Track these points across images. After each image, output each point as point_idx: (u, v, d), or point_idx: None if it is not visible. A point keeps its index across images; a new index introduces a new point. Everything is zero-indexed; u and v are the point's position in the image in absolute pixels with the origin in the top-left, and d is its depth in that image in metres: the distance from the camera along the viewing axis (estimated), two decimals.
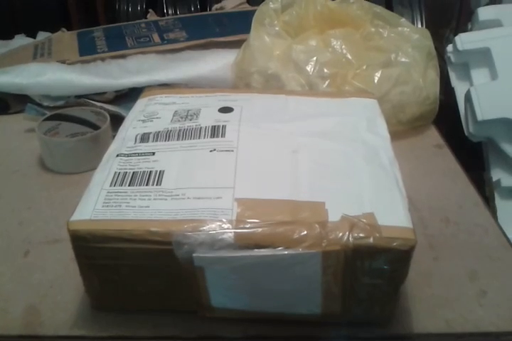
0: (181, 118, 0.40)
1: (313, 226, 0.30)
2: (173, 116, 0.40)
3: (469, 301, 0.36)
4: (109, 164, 0.36)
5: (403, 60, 0.57)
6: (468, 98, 0.65)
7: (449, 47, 0.73)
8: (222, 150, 0.36)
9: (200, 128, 0.38)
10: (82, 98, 0.60)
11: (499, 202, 0.61)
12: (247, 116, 0.40)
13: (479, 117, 0.63)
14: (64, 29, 0.76)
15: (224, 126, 0.38)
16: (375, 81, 0.55)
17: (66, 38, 0.73)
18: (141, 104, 0.44)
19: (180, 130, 0.38)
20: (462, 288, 0.37)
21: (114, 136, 0.40)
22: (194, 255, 0.30)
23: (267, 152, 0.36)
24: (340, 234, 0.30)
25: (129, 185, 0.34)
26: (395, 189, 0.33)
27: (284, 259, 0.30)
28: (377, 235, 0.30)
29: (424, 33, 0.63)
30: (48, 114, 0.55)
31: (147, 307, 0.35)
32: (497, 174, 0.63)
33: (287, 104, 0.42)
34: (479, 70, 0.77)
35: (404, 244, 0.30)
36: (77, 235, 0.31)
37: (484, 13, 0.83)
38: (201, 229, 0.30)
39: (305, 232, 0.30)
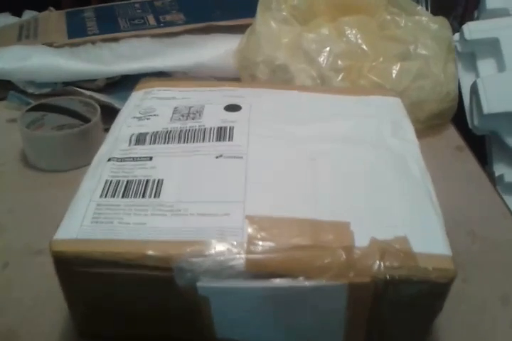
0: (182, 116, 0.35)
1: (338, 252, 0.26)
2: (173, 113, 0.36)
3: (503, 330, 0.32)
4: (100, 170, 0.31)
5: (423, 52, 0.52)
6: (474, 90, 0.62)
7: (456, 36, 0.70)
8: (229, 157, 0.31)
9: (205, 129, 0.34)
10: (70, 86, 0.55)
11: None
12: (257, 116, 0.35)
13: (485, 110, 0.60)
14: (52, 8, 0.70)
15: (231, 128, 0.33)
16: (393, 75, 0.50)
17: (54, 18, 0.67)
18: (136, 97, 0.39)
19: (181, 131, 0.34)
20: (495, 314, 0.33)
21: (105, 129, 0.35)
22: (198, 284, 0.26)
23: (281, 159, 0.31)
24: (370, 263, 0.26)
25: (122, 197, 0.29)
26: (429, 207, 0.29)
27: (304, 291, 0.26)
28: (413, 264, 0.26)
29: (444, 22, 0.58)
30: (33, 103, 0.49)
31: (140, 335, 0.30)
32: (500, 169, 0.61)
33: (300, 101, 0.37)
34: (486, 61, 0.75)
35: (443, 276, 0.25)
36: (61, 257, 0.26)
37: (492, 0, 0.80)
38: (207, 253, 0.26)
39: (329, 260, 0.26)
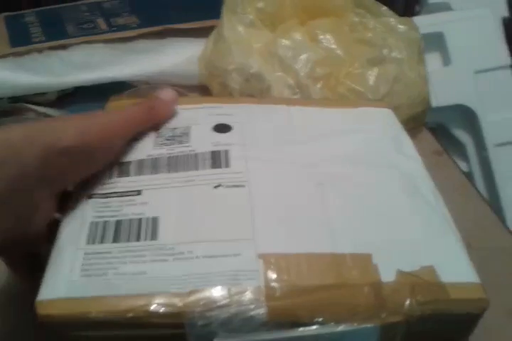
0: (167, 140, 0.32)
1: (366, 290, 0.24)
2: (156, 137, 0.32)
3: None
4: (81, 210, 0.27)
5: (397, 55, 0.51)
6: None
7: None
8: (230, 186, 0.28)
9: (196, 154, 0.30)
10: (19, 102, 0.50)
11: None
12: (251, 137, 0.32)
13: (433, 103, 0.62)
14: None
15: (226, 152, 0.30)
16: (371, 81, 0.48)
17: None
18: None
19: (170, 158, 0.30)
20: (502, 328, 0.32)
21: None
22: (215, 340, 0.23)
23: (286, 186, 0.29)
24: (402, 300, 0.24)
25: (113, 241, 0.25)
26: (449, 231, 0.28)
27: (333, 337, 0.23)
28: (445, 297, 0.24)
29: (411, 23, 0.57)
30: None
31: None
32: None
33: (291, 118, 0.35)
34: (431, 55, 0.77)
35: (477, 307, 0.24)
36: (50, 321, 0.22)
37: None
38: (222, 303, 0.23)
39: (358, 300, 0.23)
